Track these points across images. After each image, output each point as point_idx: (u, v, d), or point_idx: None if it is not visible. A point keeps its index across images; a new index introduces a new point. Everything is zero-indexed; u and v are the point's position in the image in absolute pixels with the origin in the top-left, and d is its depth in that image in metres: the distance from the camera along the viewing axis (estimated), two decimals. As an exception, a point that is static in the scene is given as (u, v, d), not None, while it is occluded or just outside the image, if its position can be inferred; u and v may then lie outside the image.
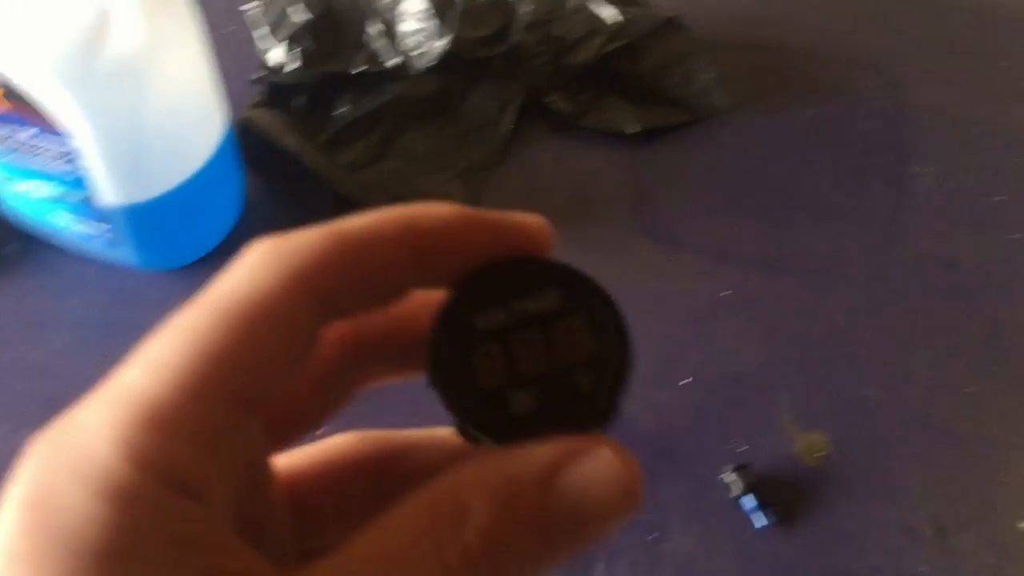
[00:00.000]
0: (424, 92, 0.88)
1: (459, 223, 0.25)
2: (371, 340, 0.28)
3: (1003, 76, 0.94)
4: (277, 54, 0.87)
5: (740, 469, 0.67)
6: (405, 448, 0.30)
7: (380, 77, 0.88)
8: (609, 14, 0.88)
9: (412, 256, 0.24)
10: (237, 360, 0.21)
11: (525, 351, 0.24)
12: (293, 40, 0.87)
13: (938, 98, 0.91)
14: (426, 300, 0.26)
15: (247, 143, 0.79)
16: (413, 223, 0.24)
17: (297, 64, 0.87)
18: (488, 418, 0.24)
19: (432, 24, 0.87)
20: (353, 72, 0.87)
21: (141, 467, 0.20)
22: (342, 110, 0.87)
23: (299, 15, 0.88)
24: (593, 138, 0.88)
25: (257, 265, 0.23)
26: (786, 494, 0.67)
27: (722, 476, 0.67)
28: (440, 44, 0.86)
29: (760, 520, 0.66)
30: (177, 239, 0.77)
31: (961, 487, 0.69)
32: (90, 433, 0.20)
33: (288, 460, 0.29)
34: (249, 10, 0.89)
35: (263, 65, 0.88)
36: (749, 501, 0.66)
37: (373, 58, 0.88)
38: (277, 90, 0.87)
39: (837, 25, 0.99)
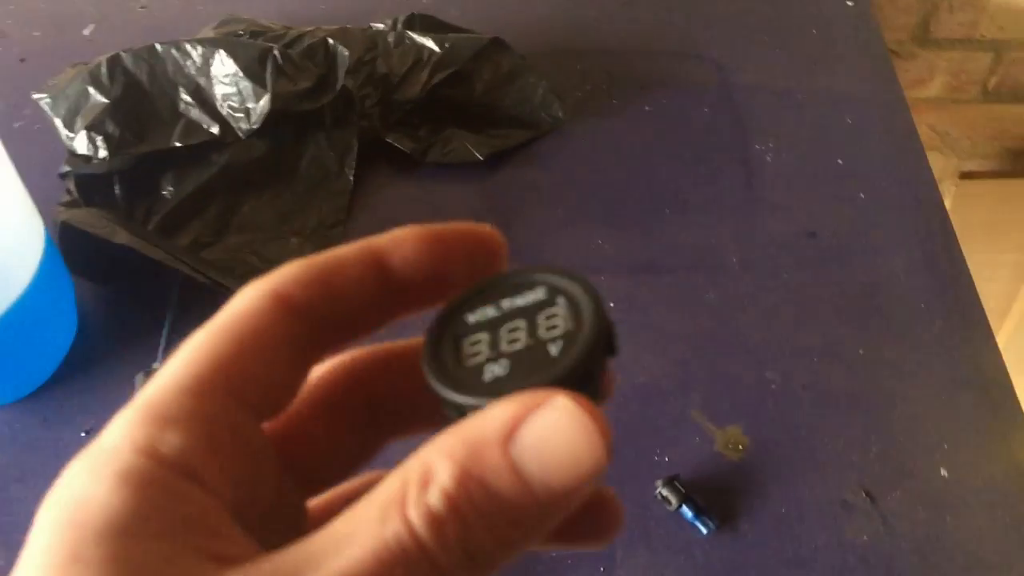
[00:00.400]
0: (254, 156, 0.82)
1: (414, 238, 0.27)
2: (392, 395, 0.29)
3: (813, 44, 0.98)
4: (82, 142, 0.79)
5: (670, 482, 0.66)
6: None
7: (202, 149, 0.81)
8: (431, 44, 0.85)
9: (375, 272, 0.26)
10: (225, 361, 0.24)
11: (509, 336, 0.26)
12: (94, 126, 0.79)
13: (761, 76, 0.94)
14: None
15: (71, 248, 0.71)
16: (370, 243, 0.27)
17: (104, 151, 0.79)
18: (461, 387, 0.24)
19: (247, 85, 0.81)
20: (171, 148, 0.80)
21: (143, 452, 0.22)
22: (167, 190, 0.80)
23: (99, 96, 0.80)
24: (440, 171, 0.85)
25: (243, 292, 0.25)
26: (721, 495, 0.66)
27: (656, 491, 0.65)
28: (261, 104, 0.80)
29: (703, 527, 0.64)
30: (9, 371, 0.68)
31: (878, 449, 0.70)
32: (106, 435, 0.22)
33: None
34: (42, 97, 0.81)
35: (69, 156, 0.80)
36: (687, 511, 0.64)
37: (191, 129, 0.81)
38: (88, 182, 0.79)
39: (651, 21, 1.00)
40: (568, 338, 0.24)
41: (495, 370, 0.25)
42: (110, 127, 0.80)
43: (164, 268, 0.73)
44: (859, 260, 0.80)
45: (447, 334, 0.26)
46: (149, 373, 0.69)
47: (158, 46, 0.82)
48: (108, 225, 0.70)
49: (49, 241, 0.69)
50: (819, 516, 0.66)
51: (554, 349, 0.24)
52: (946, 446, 0.70)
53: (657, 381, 0.72)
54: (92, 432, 0.68)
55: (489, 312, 0.26)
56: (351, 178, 0.83)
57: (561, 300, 0.26)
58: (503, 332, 0.26)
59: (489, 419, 0.21)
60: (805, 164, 0.86)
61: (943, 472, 0.68)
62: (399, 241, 0.27)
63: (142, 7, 1.01)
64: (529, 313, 0.26)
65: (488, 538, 0.21)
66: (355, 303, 0.26)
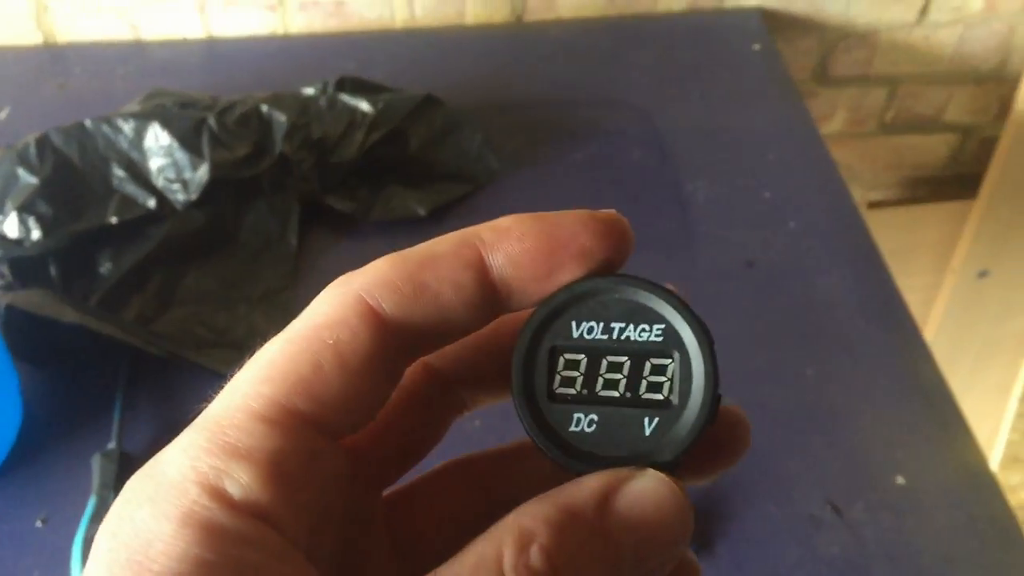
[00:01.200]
0: (193, 227, 0.81)
1: (521, 229, 0.24)
2: (463, 364, 0.27)
3: (728, 86, 1.02)
4: (12, 225, 0.77)
5: (646, 512, 0.66)
6: (496, 467, 0.29)
7: (139, 223, 0.80)
8: (364, 105, 0.87)
9: (477, 273, 0.23)
10: (301, 381, 0.22)
11: (608, 375, 0.24)
12: (26, 207, 0.78)
13: (683, 119, 0.97)
14: (518, 321, 0.26)
15: (14, 332, 0.69)
16: (471, 238, 0.24)
17: (37, 233, 0.77)
18: (548, 430, 0.24)
19: (183, 155, 0.80)
20: (107, 225, 0.79)
21: (211, 491, 0.20)
22: (105, 268, 0.79)
23: (29, 177, 0.78)
24: (382, 229, 0.85)
25: (326, 296, 0.23)
26: (695, 521, 0.67)
27: (633, 525, 0.66)
28: (199, 174, 0.80)
29: (683, 556, 0.65)
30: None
31: (838, 463, 0.72)
32: (167, 459, 0.21)
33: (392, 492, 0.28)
34: (-33, 184, 0.78)
35: (1, 241, 0.77)
36: (666, 541, 0.65)
37: (126, 205, 0.80)
38: (23, 265, 0.77)
39: (575, 72, 1.03)
40: (665, 418, 0.24)
41: (583, 423, 0.24)
42: (42, 207, 0.78)
43: (110, 347, 0.71)
44: (796, 285, 0.83)
45: (546, 338, 0.24)
46: (107, 454, 0.67)
47: (88, 122, 0.81)
48: (54, 305, 0.68)
49: (-9, 328, 0.67)
50: (791, 533, 0.67)
51: (648, 425, 0.24)
52: (899, 454, 0.73)
53: (620, 416, 0.73)
54: (48, 521, 0.65)
55: (597, 332, 0.24)
56: (294, 242, 0.83)
57: (676, 356, 0.24)
58: (603, 366, 0.24)
59: (583, 488, 0.22)
60: (735, 199, 0.90)
61: (900, 479, 0.71)
62: (503, 233, 0.24)
63: (59, 86, 1.00)
64: (637, 356, 0.24)
65: None
66: (452, 309, 0.23)
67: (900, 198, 1.39)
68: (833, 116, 1.27)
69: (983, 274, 1.36)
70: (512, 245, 0.23)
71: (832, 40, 1.17)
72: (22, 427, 0.70)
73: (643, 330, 0.24)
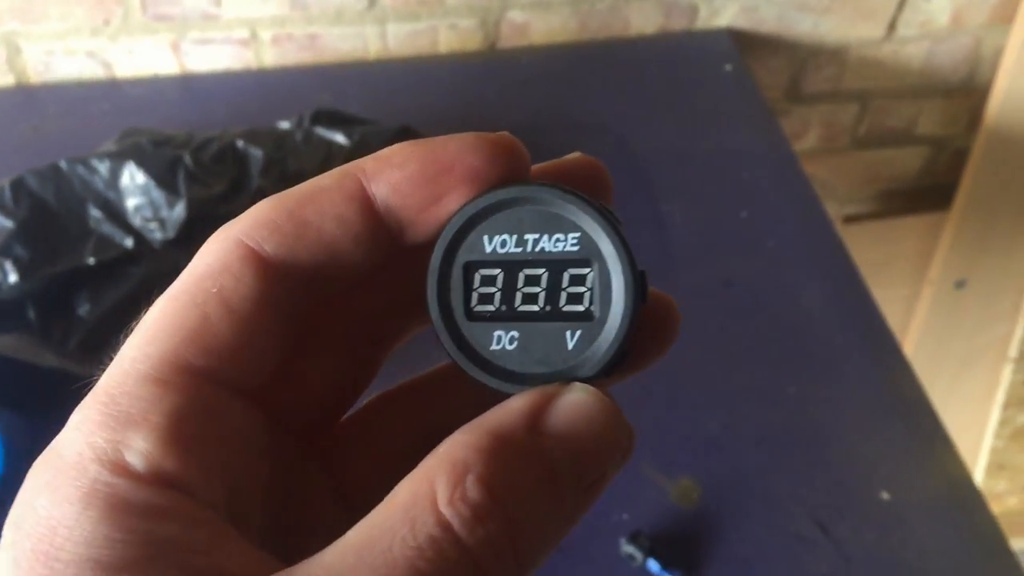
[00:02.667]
0: (172, 266, 0.80)
1: (405, 161, 0.22)
2: (383, 303, 0.26)
3: (701, 107, 1.03)
4: (-12, 270, 0.77)
5: (634, 538, 0.66)
6: (427, 394, 0.27)
7: (117, 263, 0.80)
8: (340, 138, 0.87)
9: (361, 205, 0.22)
10: (189, 334, 0.20)
11: (526, 289, 0.23)
12: (2, 251, 0.77)
13: (658, 141, 0.98)
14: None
15: (-7, 376, 0.68)
16: (353, 170, 0.22)
17: (14, 276, 0.77)
18: (469, 351, 0.23)
19: (159, 194, 0.80)
20: (84, 266, 0.78)
21: (109, 464, 0.19)
22: (83, 309, 0.78)
23: (4, 220, 0.78)
24: (362, 263, 0.85)
25: (205, 247, 0.22)
26: (683, 544, 0.67)
27: (620, 550, 0.66)
28: (177, 212, 0.80)
29: (672, 580, 0.65)
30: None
31: (820, 481, 0.72)
32: (63, 442, 0.20)
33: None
34: (-59, 230, 0.78)
35: (-24, 286, 0.77)
36: (654, 565, 0.65)
37: (103, 245, 0.80)
38: (0, 309, 0.76)
39: (548, 96, 1.04)
40: (588, 330, 0.23)
41: (504, 341, 0.23)
42: (18, 250, 0.78)
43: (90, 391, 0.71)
44: (775, 303, 0.84)
45: (459, 253, 0.23)
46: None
47: (63, 163, 0.81)
48: (33, 349, 0.68)
49: (-30, 373, 0.66)
50: (779, 553, 0.68)
51: (570, 339, 0.23)
52: (883, 470, 0.73)
53: (604, 441, 0.73)
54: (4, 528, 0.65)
55: (511, 245, 0.23)
56: (273, 277, 0.83)
57: (595, 265, 0.23)
58: (521, 280, 0.23)
59: (510, 411, 0.21)
60: (712, 219, 0.90)
61: (884, 495, 0.71)
62: (385, 162, 0.23)
63: (33, 127, 1.00)
64: (554, 267, 0.23)
65: (530, 528, 0.20)
66: (338, 243, 0.22)
67: (875, 211, 1.41)
68: (806, 133, 1.28)
69: (960, 284, 1.37)
70: (393, 173, 0.22)
71: (802, 58, 1.19)
72: (3, 473, 0.70)
73: (559, 240, 0.23)
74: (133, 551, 0.18)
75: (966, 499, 0.72)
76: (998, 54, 1.23)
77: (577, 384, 0.22)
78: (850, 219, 1.37)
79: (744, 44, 1.13)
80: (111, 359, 0.21)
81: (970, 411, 1.46)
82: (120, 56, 1.03)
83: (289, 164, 0.85)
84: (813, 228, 0.91)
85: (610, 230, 0.23)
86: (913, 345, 1.42)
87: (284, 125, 0.90)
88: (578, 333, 0.23)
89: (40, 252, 0.78)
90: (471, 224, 0.23)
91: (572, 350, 0.23)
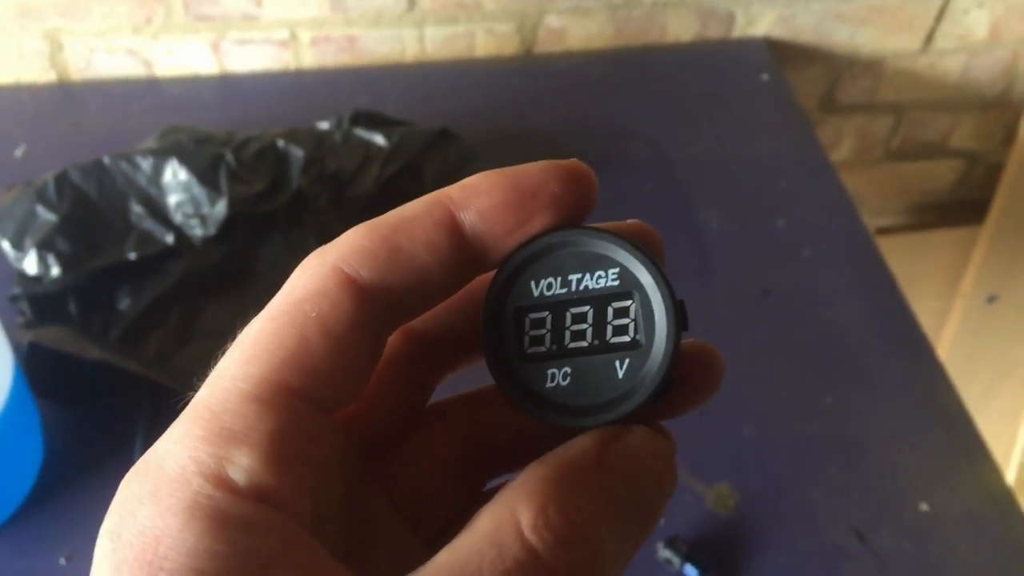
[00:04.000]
0: (211, 263, 0.81)
1: (490, 185, 0.24)
2: (442, 327, 0.27)
3: (737, 117, 1.03)
4: (31, 262, 0.78)
5: (671, 543, 0.66)
6: (467, 410, 0.29)
7: (157, 259, 0.80)
8: (379, 139, 0.87)
9: (450, 231, 0.23)
10: (289, 356, 0.21)
11: (574, 327, 0.25)
12: (45, 245, 0.78)
13: (694, 150, 0.98)
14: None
15: (37, 370, 0.69)
16: (441, 198, 0.24)
17: (56, 270, 0.77)
18: (526, 391, 0.24)
19: (201, 191, 0.81)
20: (125, 261, 0.79)
21: (213, 479, 0.20)
22: (124, 304, 0.79)
23: (48, 214, 0.79)
24: (398, 263, 0.85)
25: (302, 270, 0.23)
26: (720, 550, 0.67)
27: (658, 554, 0.66)
28: (218, 210, 0.80)
29: (709, 586, 0.65)
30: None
31: (859, 489, 0.72)
32: (163, 453, 0.20)
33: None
34: (-14, 222, 0.79)
35: (19, 277, 0.78)
36: (691, 570, 0.65)
37: (145, 240, 0.80)
38: (42, 302, 0.77)
39: (584, 104, 1.04)
40: (635, 358, 0.24)
41: (558, 378, 0.25)
42: (61, 244, 0.78)
43: (131, 383, 0.71)
44: (812, 313, 0.83)
45: (510, 301, 0.25)
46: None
47: (106, 159, 0.82)
48: (76, 341, 0.68)
49: (17, 367, 0.67)
50: (817, 562, 0.67)
51: (620, 368, 0.24)
52: (921, 481, 0.72)
53: (641, 446, 0.73)
54: (72, 559, 0.65)
55: (556, 287, 0.25)
56: (311, 276, 0.83)
57: (635, 296, 0.24)
58: (568, 319, 0.25)
59: (579, 448, 0.23)
60: (748, 228, 0.90)
61: (923, 506, 0.70)
62: (473, 190, 0.24)
63: (74, 123, 1.01)
64: (598, 302, 0.25)
65: (604, 555, 0.21)
66: (428, 269, 0.23)
67: (908, 224, 1.40)
68: (840, 144, 1.28)
69: (992, 299, 1.36)
70: (482, 200, 0.24)
71: (838, 69, 1.18)
72: (44, 465, 0.70)
73: (600, 277, 0.25)
74: (236, 563, 0.19)
75: (1006, 512, 0.71)
76: (1036, 68, 1.22)
77: (638, 427, 0.24)
78: (882, 231, 1.36)
79: (780, 54, 1.13)
80: (205, 375, 0.22)
81: (1000, 426, 1.45)
82: (160, 55, 1.04)
83: (328, 164, 0.86)
84: (850, 237, 0.90)
85: (647, 262, 0.24)
86: (944, 359, 1.40)
87: (323, 125, 0.90)
88: (627, 362, 0.24)
89: (82, 246, 0.79)
90: (518, 271, 0.25)
91: (623, 378, 0.24)
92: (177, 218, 0.81)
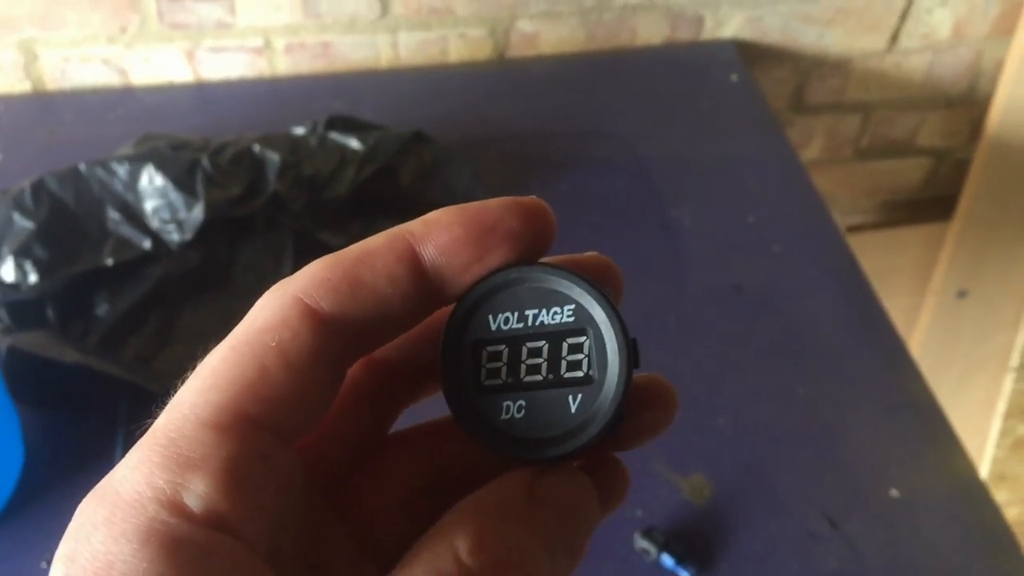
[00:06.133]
0: (188, 267, 0.82)
1: (450, 220, 0.24)
2: (404, 357, 0.28)
3: (708, 116, 1.05)
4: (8, 270, 0.78)
5: (648, 533, 0.67)
6: (427, 441, 0.29)
7: (134, 264, 0.81)
8: (354, 143, 0.88)
9: (410, 265, 0.24)
10: (248, 384, 0.22)
11: (530, 361, 0.25)
12: (22, 252, 0.78)
13: (666, 148, 0.99)
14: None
15: (16, 374, 0.69)
16: (402, 232, 0.24)
17: (34, 276, 0.78)
18: (480, 422, 0.25)
19: (177, 196, 0.82)
20: (103, 266, 0.79)
21: (168, 505, 0.20)
22: (101, 309, 0.79)
23: (25, 221, 0.79)
24: (375, 265, 0.86)
25: (264, 302, 0.23)
26: (696, 540, 0.68)
27: (635, 545, 0.67)
28: (194, 215, 0.81)
29: (686, 572, 0.66)
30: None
31: (832, 477, 0.73)
32: (119, 479, 0.21)
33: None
34: (-37, 231, 0.79)
35: (-3, 285, 0.78)
36: (667, 559, 0.66)
37: (122, 246, 0.81)
38: (19, 308, 0.77)
39: (556, 105, 1.05)
40: (588, 393, 0.25)
41: (512, 410, 0.25)
42: (39, 251, 0.79)
43: (110, 387, 0.72)
44: (784, 306, 0.85)
45: (468, 335, 0.26)
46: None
47: (82, 166, 0.82)
48: (55, 346, 0.69)
49: (-5, 372, 0.67)
50: (790, 549, 0.68)
51: (573, 403, 0.25)
52: (892, 468, 0.74)
53: (617, 440, 0.74)
54: (52, 562, 0.65)
55: (513, 321, 0.26)
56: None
57: (589, 332, 0.25)
58: (524, 353, 0.25)
59: (509, 483, 0.24)
60: (720, 224, 0.92)
61: (894, 492, 0.72)
62: (433, 225, 0.24)
63: (50, 132, 1.01)
64: (553, 338, 0.25)
65: (538, 573, 0.23)
66: (389, 302, 0.24)
67: (878, 222, 1.42)
68: (810, 143, 1.30)
69: (962, 294, 1.39)
70: (442, 235, 0.24)
71: (806, 69, 1.20)
72: (24, 469, 0.70)
73: (556, 313, 0.25)
74: None
75: (975, 498, 0.73)
76: (999, 66, 1.24)
77: (567, 464, 0.25)
78: (853, 228, 1.38)
79: (749, 55, 1.15)
80: (164, 404, 0.23)
81: (972, 421, 1.47)
82: (136, 63, 1.05)
83: (304, 168, 0.87)
84: (819, 233, 0.92)
85: (602, 300, 0.25)
86: (917, 354, 1.42)
87: (299, 131, 0.91)
88: (579, 396, 0.25)
89: (60, 253, 0.79)
90: (477, 304, 0.25)
91: (576, 412, 0.25)
92: (154, 223, 0.82)
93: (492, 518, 0.23)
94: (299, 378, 0.22)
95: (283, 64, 1.07)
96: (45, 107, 1.05)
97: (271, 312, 0.23)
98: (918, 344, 1.43)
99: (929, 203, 1.40)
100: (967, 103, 1.29)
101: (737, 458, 0.74)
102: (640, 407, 0.26)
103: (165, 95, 1.06)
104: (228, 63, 1.06)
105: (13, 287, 0.78)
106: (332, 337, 0.23)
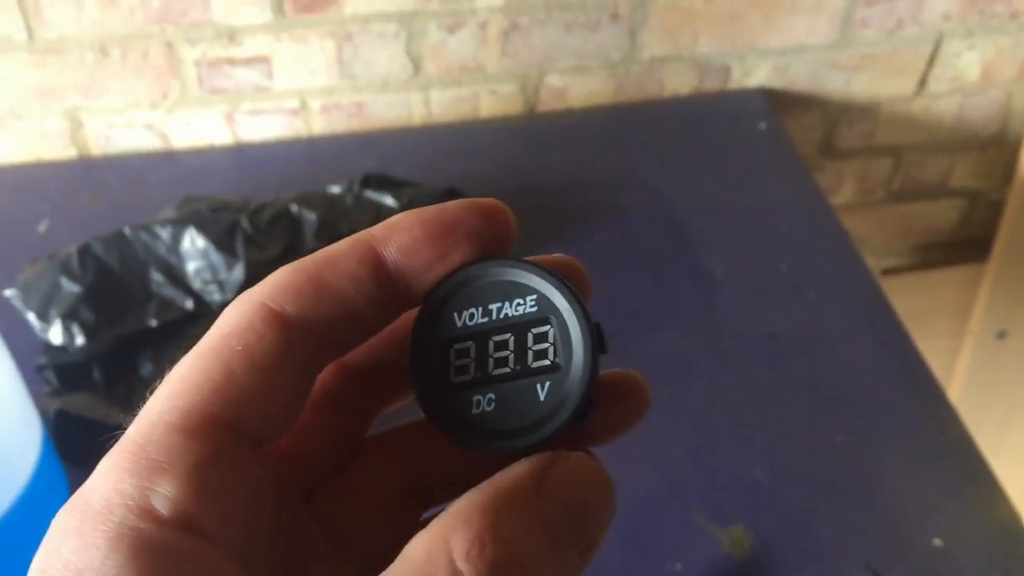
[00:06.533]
0: (229, 325, 0.84)
1: (410, 223, 0.25)
2: (376, 361, 0.28)
3: (738, 164, 1.06)
4: (56, 332, 0.80)
5: (688, 586, 0.67)
6: (406, 442, 0.29)
7: (177, 324, 0.83)
8: (389, 200, 0.90)
9: (373, 267, 0.24)
10: (215, 388, 0.22)
11: (497, 354, 0.26)
12: (69, 315, 0.81)
13: (696, 197, 1.00)
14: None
15: (65, 437, 0.71)
16: (364, 235, 0.25)
17: (81, 339, 0.80)
18: (452, 419, 0.26)
19: (218, 257, 0.84)
20: (147, 327, 0.81)
21: (137, 510, 0.20)
22: (146, 369, 0.81)
23: (72, 285, 0.81)
24: (412, 320, 0.87)
25: (230, 308, 0.24)
26: (737, 593, 0.68)
27: (675, 599, 0.67)
28: (235, 275, 0.83)
29: (727, 628, 0.65)
30: (13, 572, 0.67)
31: (873, 527, 0.72)
32: (90, 488, 0.21)
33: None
34: (13, 293, 0.82)
35: (45, 347, 0.80)
36: (709, 614, 0.66)
37: (165, 307, 0.83)
38: (67, 371, 0.79)
39: (584, 157, 1.07)
40: (556, 380, 0.25)
41: (483, 404, 0.26)
42: (85, 314, 0.81)
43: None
44: (819, 354, 0.85)
45: (435, 335, 0.26)
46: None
47: (126, 230, 0.85)
48: (102, 408, 0.70)
49: (45, 436, 0.69)
50: (833, 601, 0.68)
51: (541, 391, 0.26)
52: (934, 517, 0.73)
53: (655, 492, 0.74)
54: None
55: (479, 317, 0.26)
56: (327, 335, 0.85)
57: (553, 321, 0.26)
58: (491, 347, 0.26)
59: (516, 474, 0.23)
60: (753, 272, 0.92)
61: (937, 542, 0.71)
62: (394, 228, 0.25)
63: (94, 197, 1.04)
64: (519, 329, 0.26)
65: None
66: (354, 303, 0.24)
67: (913, 264, 1.41)
68: (841, 188, 1.30)
69: (1002, 335, 1.37)
70: (402, 236, 0.25)
71: (835, 115, 1.21)
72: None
73: (519, 304, 0.26)
74: None
75: (1018, 544, 0.72)
76: (1029, 107, 1.24)
77: (570, 453, 0.24)
78: (888, 272, 1.38)
79: (777, 102, 1.16)
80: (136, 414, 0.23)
81: (1016, 463, 1.45)
82: (177, 128, 1.08)
83: (341, 226, 0.89)
84: (853, 279, 0.92)
85: (562, 287, 0.26)
86: (957, 397, 1.41)
87: (335, 189, 0.93)
88: (547, 384, 0.26)
89: (105, 315, 0.81)
90: (441, 305, 0.26)
91: (544, 401, 0.26)
92: (196, 284, 0.84)
93: (494, 515, 0.21)
94: (266, 380, 0.23)
95: (319, 124, 1.10)
96: (90, 172, 1.08)
97: (237, 318, 0.23)
98: (958, 387, 1.41)
99: (964, 244, 1.40)
100: (999, 144, 1.29)
101: (776, 508, 0.73)
102: (612, 400, 0.27)
103: (205, 157, 1.09)
104: (266, 125, 1.09)
105: (61, 349, 0.80)
106: (298, 340, 0.24)
